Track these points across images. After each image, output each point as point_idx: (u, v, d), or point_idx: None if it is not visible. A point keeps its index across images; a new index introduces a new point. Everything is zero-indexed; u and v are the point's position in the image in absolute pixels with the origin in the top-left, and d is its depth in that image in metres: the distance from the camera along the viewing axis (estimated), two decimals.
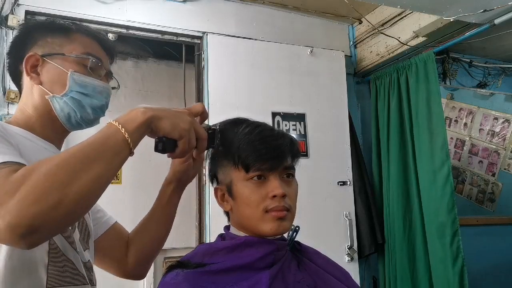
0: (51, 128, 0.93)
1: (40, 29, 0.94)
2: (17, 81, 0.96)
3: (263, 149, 0.84)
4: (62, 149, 0.99)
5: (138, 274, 1.08)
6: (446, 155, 2.34)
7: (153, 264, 3.07)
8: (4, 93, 1.99)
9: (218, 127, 0.87)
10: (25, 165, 0.68)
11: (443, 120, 2.38)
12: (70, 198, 0.62)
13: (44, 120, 0.92)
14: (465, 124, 3.37)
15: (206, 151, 0.92)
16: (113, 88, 1.01)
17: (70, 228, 0.87)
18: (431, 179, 2.39)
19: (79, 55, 0.92)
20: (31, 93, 0.92)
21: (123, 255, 1.05)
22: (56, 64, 0.90)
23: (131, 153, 0.72)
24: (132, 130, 0.72)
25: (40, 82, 0.90)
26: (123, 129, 0.70)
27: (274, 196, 0.83)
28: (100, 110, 0.97)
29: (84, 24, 2.22)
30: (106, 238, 1.04)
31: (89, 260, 0.94)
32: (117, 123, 0.71)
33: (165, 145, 0.78)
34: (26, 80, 0.92)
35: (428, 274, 2.42)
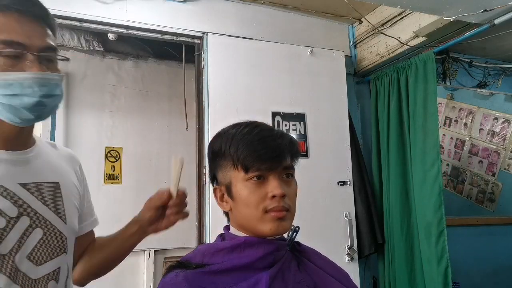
0: (1, 134, 0.82)
1: None
2: None
3: (262, 150, 0.84)
4: (59, 139, 0.96)
5: (78, 283, 1.07)
6: (437, 154, 2.34)
7: (153, 264, 3.06)
8: None
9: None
10: None
11: (437, 119, 2.38)
12: None
13: None
14: (465, 124, 3.37)
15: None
16: (62, 59, 0.84)
17: (6, 252, 0.80)
18: (422, 179, 2.41)
19: None
20: None
21: (75, 261, 1.04)
22: None
23: None
24: None
25: None
26: None
27: (274, 196, 0.83)
28: (38, 106, 0.78)
29: (85, 24, 2.16)
30: (83, 239, 1.05)
31: (55, 269, 0.88)
32: None
33: None
34: None
35: (422, 276, 2.42)
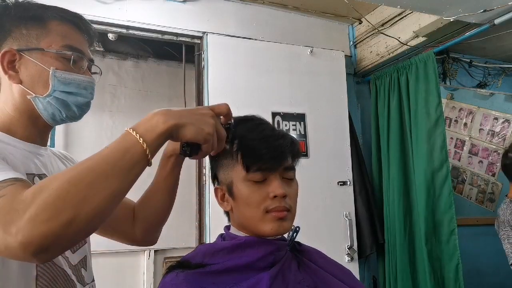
0: (34, 126, 0.88)
1: (12, 18, 0.85)
2: None
3: (264, 150, 0.84)
4: (59, 139, 0.98)
5: (148, 241, 1.07)
6: (445, 155, 2.36)
7: (153, 264, 3.06)
8: None
9: (232, 123, 0.84)
10: (27, 180, 0.67)
11: (443, 120, 2.39)
12: (83, 217, 0.60)
13: (26, 120, 0.87)
14: (465, 124, 3.37)
15: None
16: (94, 73, 0.94)
17: None
18: (429, 179, 2.41)
19: (59, 51, 0.85)
20: (11, 91, 0.86)
21: (130, 226, 1.03)
22: (35, 60, 0.84)
23: (149, 164, 0.68)
24: (152, 140, 0.67)
25: (20, 80, 0.84)
26: (142, 140, 0.66)
27: (275, 196, 0.83)
28: (86, 107, 0.91)
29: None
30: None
31: (83, 257, 0.92)
32: (135, 133, 0.67)
33: (191, 150, 0.76)
34: (3, 76, 0.86)
35: (427, 274, 2.42)
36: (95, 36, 0.95)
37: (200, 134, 0.72)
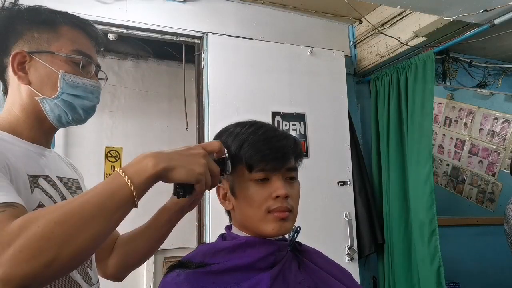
0: (39, 128, 0.90)
1: (25, 21, 0.88)
2: (0, 75, 0.91)
3: (267, 150, 0.84)
4: (59, 139, 0.99)
5: (116, 277, 1.06)
6: (429, 153, 2.34)
7: (153, 264, 3.06)
8: (5, 93, 1.98)
9: (227, 155, 0.84)
10: (19, 204, 0.68)
11: (431, 119, 2.38)
12: (65, 257, 0.60)
13: (32, 121, 0.88)
14: (465, 124, 3.37)
15: None
16: (100, 79, 0.97)
17: None
18: (416, 178, 2.41)
19: (69, 55, 0.88)
20: (19, 92, 0.88)
21: (106, 256, 1.04)
22: (45, 63, 0.86)
23: (135, 206, 0.69)
24: (140, 183, 0.67)
25: (29, 82, 0.86)
26: (130, 182, 0.66)
27: (277, 196, 0.83)
28: (91, 110, 0.94)
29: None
30: None
31: (89, 259, 0.93)
32: (124, 174, 0.67)
33: (185, 191, 0.75)
34: (12, 77, 0.88)
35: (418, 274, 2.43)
36: (103, 43, 0.98)
37: (191, 175, 0.72)
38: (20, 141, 0.86)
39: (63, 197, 0.89)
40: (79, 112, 0.91)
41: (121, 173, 0.67)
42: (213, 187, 0.81)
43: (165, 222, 0.99)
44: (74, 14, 0.94)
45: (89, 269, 0.93)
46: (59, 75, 0.86)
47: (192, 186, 0.75)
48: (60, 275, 0.66)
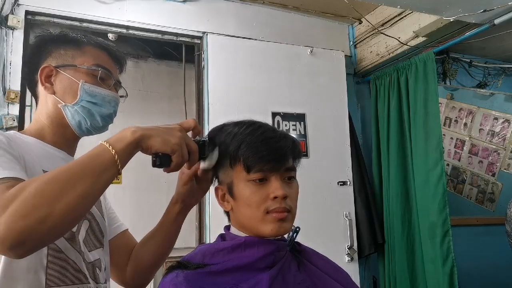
0: (62, 135, 0.98)
1: (55, 41, 1.00)
2: (33, 90, 1.02)
3: (265, 151, 0.84)
4: (77, 154, 1.02)
5: (138, 284, 1.10)
6: (440, 155, 2.34)
7: None
8: (4, 93, 1.99)
9: (207, 138, 0.89)
10: (23, 179, 0.73)
11: (439, 120, 2.38)
12: (56, 214, 0.65)
13: (56, 127, 0.97)
14: (465, 124, 3.37)
15: (212, 178, 0.97)
16: (121, 96, 1.06)
17: (74, 229, 0.90)
18: (424, 179, 2.41)
19: (90, 67, 0.97)
20: (46, 102, 0.98)
21: (125, 264, 1.08)
22: (69, 75, 0.96)
23: (119, 171, 0.75)
24: (121, 149, 0.74)
25: (54, 91, 0.96)
26: (111, 148, 0.73)
27: (275, 197, 0.83)
28: (108, 118, 1.01)
29: (85, 24, 2.24)
30: (115, 243, 1.08)
31: (98, 259, 0.97)
32: (106, 143, 0.74)
33: (161, 160, 0.80)
34: (41, 89, 0.98)
35: (425, 276, 2.42)
36: (125, 64, 1.09)
37: (166, 144, 0.78)
38: (43, 144, 0.95)
39: None
40: (97, 119, 0.99)
41: (104, 142, 0.75)
42: (192, 164, 0.88)
43: (172, 220, 1.03)
44: (100, 38, 1.05)
45: (97, 269, 0.96)
46: (80, 84, 0.96)
47: (169, 157, 0.80)
48: (56, 233, 0.70)
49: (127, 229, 1.14)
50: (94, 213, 1.00)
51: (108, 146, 0.74)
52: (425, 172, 2.40)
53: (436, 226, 2.33)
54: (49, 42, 1.00)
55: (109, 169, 0.73)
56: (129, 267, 1.08)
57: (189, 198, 1.00)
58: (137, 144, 0.77)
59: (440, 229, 2.31)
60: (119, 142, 0.75)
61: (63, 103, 0.96)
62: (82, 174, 0.70)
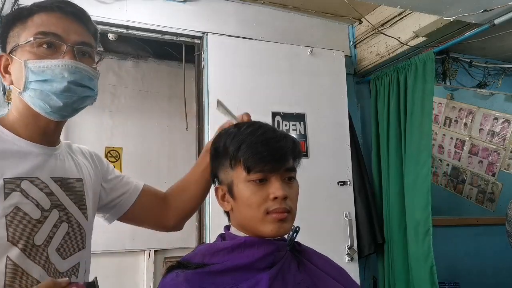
0: (34, 124, 0.87)
1: (8, 23, 0.87)
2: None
3: (265, 151, 0.84)
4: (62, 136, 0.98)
5: (177, 227, 1.16)
6: (428, 154, 2.35)
7: (153, 264, 3.05)
8: (4, 93, 1.99)
9: (95, 281, 0.76)
10: None
11: (431, 119, 2.38)
12: None
13: (26, 118, 0.87)
14: (465, 124, 3.37)
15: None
16: (98, 53, 0.91)
17: (39, 243, 0.83)
18: (414, 178, 2.42)
19: (28, 39, 0.82)
20: (13, 92, 0.89)
21: (163, 212, 1.11)
22: (17, 57, 0.84)
23: None
24: None
25: (11, 81, 0.87)
26: None
27: (275, 198, 0.83)
28: (67, 92, 0.84)
29: None
30: (141, 202, 1.10)
31: (76, 263, 0.91)
32: None
33: None
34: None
35: (411, 272, 2.44)
36: (87, 17, 0.92)
37: None
38: (18, 140, 0.85)
39: (52, 198, 0.87)
40: (54, 98, 0.83)
41: None
42: None
43: (207, 164, 1.02)
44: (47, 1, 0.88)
45: (73, 276, 0.89)
46: (22, 64, 0.82)
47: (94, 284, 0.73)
48: None
49: (144, 185, 1.13)
50: (72, 212, 0.91)
51: None
52: (415, 171, 2.41)
53: (419, 225, 2.34)
54: (6, 26, 0.87)
55: None
56: (171, 216, 1.12)
57: None
58: None
59: (422, 227, 2.33)
60: None
61: (19, 90, 0.84)
62: None
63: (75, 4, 0.90)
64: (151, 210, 1.11)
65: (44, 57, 0.82)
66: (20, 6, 0.93)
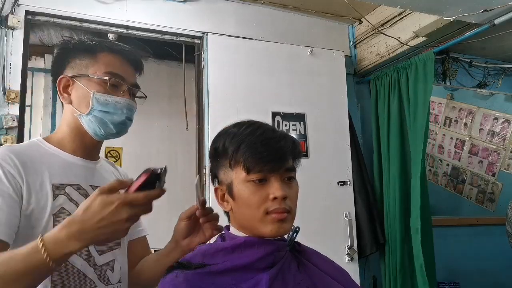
0: (81, 141, 1.03)
1: (72, 50, 1.04)
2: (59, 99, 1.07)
3: (265, 151, 0.84)
4: None
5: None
6: (423, 151, 2.37)
7: None
8: (4, 93, 1.99)
9: (162, 170, 0.81)
10: (5, 242, 0.82)
11: (428, 119, 2.39)
12: None
13: (75, 135, 1.03)
14: (465, 124, 3.37)
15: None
16: (140, 97, 1.10)
17: None
18: (415, 178, 2.43)
19: (100, 76, 1.00)
20: (66, 111, 1.04)
21: (132, 267, 1.13)
22: (82, 84, 1.00)
23: (55, 269, 0.76)
24: (59, 258, 0.74)
25: (70, 101, 1.02)
26: (48, 258, 0.73)
27: (275, 198, 0.83)
28: (121, 125, 1.04)
29: (85, 24, 2.24)
30: (132, 245, 1.13)
31: (111, 260, 1.02)
32: (44, 250, 0.72)
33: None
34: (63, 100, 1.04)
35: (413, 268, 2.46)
36: (141, 65, 1.10)
37: (118, 235, 0.78)
38: (62, 153, 1.01)
39: None
40: (110, 127, 1.02)
41: (41, 247, 0.73)
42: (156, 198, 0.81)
43: (170, 251, 1.05)
44: (116, 42, 1.09)
45: (108, 270, 1.01)
46: (91, 95, 0.99)
47: (153, 186, 0.79)
48: None
49: (146, 236, 1.20)
50: None
51: (44, 256, 0.72)
52: (416, 171, 2.42)
53: (415, 224, 2.37)
54: (67, 52, 1.04)
55: (44, 276, 0.77)
56: (132, 273, 1.12)
57: (182, 238, 1.04)
58: (80, 249, 0.76)
59: (415, 226, 2.36)
60: (59, 250, 0.74)
61: (79, 112, 1.01)
62: (15, 278, 0.73)
63: (133, 50, 1.09)
64: (129, 259, 1.12)
65: (110, 93, 1.01)
66: (86, 38, 1.08)
